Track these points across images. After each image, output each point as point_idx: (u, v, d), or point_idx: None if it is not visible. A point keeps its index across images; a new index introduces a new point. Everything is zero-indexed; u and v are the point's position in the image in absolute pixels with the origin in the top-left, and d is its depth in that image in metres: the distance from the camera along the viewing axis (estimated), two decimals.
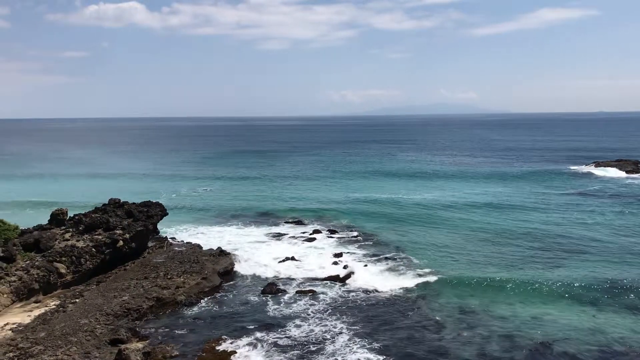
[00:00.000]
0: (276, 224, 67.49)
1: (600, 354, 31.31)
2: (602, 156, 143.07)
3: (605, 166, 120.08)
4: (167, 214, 55.69)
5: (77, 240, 46.32)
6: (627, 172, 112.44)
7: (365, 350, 32.00)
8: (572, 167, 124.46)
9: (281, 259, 51.28)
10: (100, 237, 47.09)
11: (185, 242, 56.25)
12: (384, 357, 31.12)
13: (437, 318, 36.95)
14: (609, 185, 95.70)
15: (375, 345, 32.76)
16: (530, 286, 42.36)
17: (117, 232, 47.97)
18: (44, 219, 52.82)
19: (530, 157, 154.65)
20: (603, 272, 45.83)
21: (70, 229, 48.29)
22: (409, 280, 44.54)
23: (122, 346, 31.18)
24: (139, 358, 30.04)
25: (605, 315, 36.52)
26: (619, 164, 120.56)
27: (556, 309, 37.79)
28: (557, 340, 33.03)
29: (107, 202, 53.65)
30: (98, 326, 34.72)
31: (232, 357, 31.67)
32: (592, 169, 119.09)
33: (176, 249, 52.44)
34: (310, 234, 61.56)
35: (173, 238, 58.00)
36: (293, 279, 45.93)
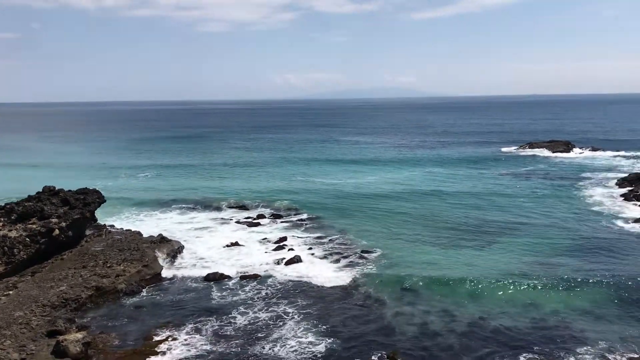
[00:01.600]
0: (219, 210, 66.77)
1: (534, 327, 32.81)
2: (534, 138, 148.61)
3: (538, 147, 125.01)
4: (104, 201, 54.08)
5: (10, 230, 44.37)
6: (558, 152, 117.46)
7: (311, 334, 32.28)
8: (506, 149, 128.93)
9: (225, 245, 50.87)
10: (34, 226, 45.30)
11: (124, 229, 54.84)
12: (332, 339, 31.51)
13: (381, 297, 37.76)
14: (540, 166, 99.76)
15: (322, 327, 33.13)
16: (468, 264, 43.95)
17: (53, 220, 46.26)
18: None
19: (466, 139, 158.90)
20: (535, 249, 47.95)
21: (2, 219, 46.21)
22: (353, 262, 45.22)
23: (60, 337, 30.29)
24: (78, 349, 29.28)
25: (538, 290, 38.22)
26: (550, 144, 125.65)
27: (492, 285, 39.25)
28: (494, 315, 34.41)
29: (41, 190, 51.60)
30: (34, 318, 33.55)
31: (174, 345, 31.33)
32: (525, 151, 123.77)
33: (116, 236, 51.10)
34: (254, 219, 61.31)
35: (112, 226, 56.46)
36: (237, 265, 45.59)
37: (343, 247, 49.91)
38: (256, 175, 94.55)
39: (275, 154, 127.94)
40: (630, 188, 72.89)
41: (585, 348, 29.94)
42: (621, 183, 77.48)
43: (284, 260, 45.82)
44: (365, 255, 46.95)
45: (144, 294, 39.62)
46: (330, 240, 52.31)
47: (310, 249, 49.45)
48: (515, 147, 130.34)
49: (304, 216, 62.36)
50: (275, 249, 49.57)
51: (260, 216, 62.40)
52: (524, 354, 29.52)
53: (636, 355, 28.68)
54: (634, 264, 43.53)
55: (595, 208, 63.51)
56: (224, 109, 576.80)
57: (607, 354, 29.19)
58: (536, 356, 29.27)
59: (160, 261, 45.24)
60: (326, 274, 42.79)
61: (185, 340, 31.86)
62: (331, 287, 40.03)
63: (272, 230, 56.81)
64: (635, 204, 64.69)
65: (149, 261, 44.07)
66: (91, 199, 51.56)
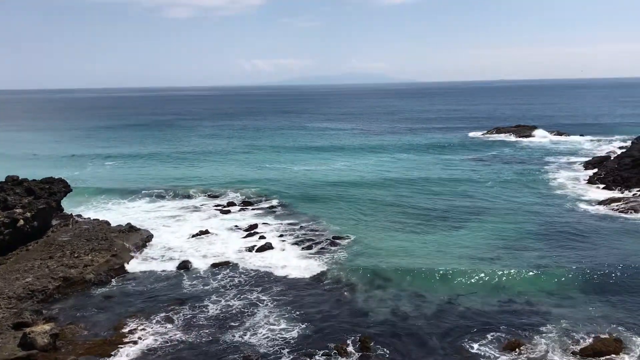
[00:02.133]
0: (188, 198, 66.08)
1: (501, 308, 33.50)
2: (501, 123, 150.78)
3: (504, 132, 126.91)
4: (71, 190, 53.07)
5: None
6: (524, 136, 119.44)
7: (284, 321, 32.30)
8: (473, 134, 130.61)
9: (195, 233, 50.48)
10: None
11: (92, 219, 53.97)
12: (304, 325, 31.61)
13: (353, 282, 37.98)
14: (506, 150, 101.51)
15: (295, 314, 33.22)
16: (436, 249, 44.56)
17: (17, 211, 45.19)
18: None
19: (433, 125, 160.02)
20: (502, 233, 48.80)
21: None
22: (325, 249, 45.36)
23: (27, 329, 29.75)
24: (46, 340, 28.81)
25: (505, 274, 38.93)
26: (517, 129, 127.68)
27: (461, 267, 39.87)
28: (463, 298, 34.99)
29: (3, 180, 50.34)
30: None
31: (145, 334, 31.07)
32: (492, 136, 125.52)
33: (83, 226, 50.26)
34: (224, 207, 60.95)
35: (79, 215, 55.47)
36: (208, 253, 45.31)
37: (314, 233, 50.02)
38: (225, 163, 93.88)
39: (245, 141, 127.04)
40: (594, 171, 74.75)
41: (550, 327, 30.73)
42: (585, 166, 79.42)
43: (255, 248, 45.73)
44: (337, 241, 47.13)
45: (113, 283, 39.12)
46: (301, 226, 52.37)
47: (281, 235, 49.44)
48: (482, 132, 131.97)
49: (275, 203, 62.22)
50: (246, 237, 49.44)
51: (231, 204, 62.08)
52: (491, 333, 30.16)
53: (603, 335, 29.49)
54: (597, 246, 44.73)
55: (560, 191, 64.98)
56: (191, 96, 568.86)
57: (572, 333, 30.01)
58: (503, 335, 29.96)
59: (130, 251, 44.69)
60: (298, 260, 42.88)
61: (157, 329, 31.62)
62: (303, 274, 40.12)
63: (243, 217, 56.61)
64: (599, 187, 66.40)
65: (118, 251, 43.53)
66: (57, 188, 50.56)
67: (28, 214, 45.51)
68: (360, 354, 28.51)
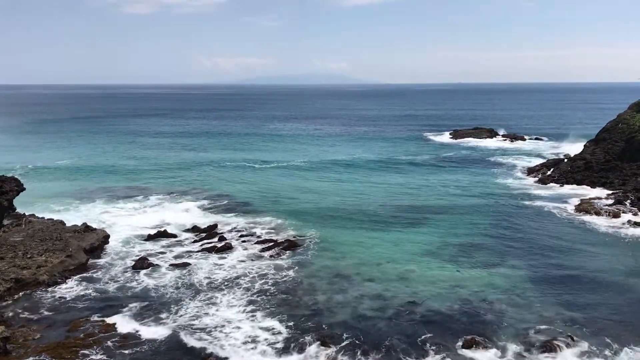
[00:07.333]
0: (146, 197, 64.94)
1: (461, 307, 34.01)
2: (460, 125, 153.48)
3: (463, 134, 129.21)
4: (24, 189, 51.40)
5: None
6: (482, 139, 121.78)
7: (245, 322, 32.09)
8: (431, 136, 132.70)
9: (152, 233, 49.67)
10: None
11: (46, 218, 52.45)
12: (266, 326, 31.51)
13: (314, 282, 38.06)
14: (463, 152, 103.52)
15: (257, 315, 33.06)
16: (396, 246, 45.22)
17: None
18: None
19: (392, 127, 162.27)
20: (458, 230, 50.04)
21: None
22: (285, 249, 45.22)
23: None
24: None
25: (464, 271, 39.73)
26: (475, 132, 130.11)
27: (420, 267, 40.48)
28: (423, 297, 35.37)
29: None
30: None
31: (101, 337, 30.34)
32: (451, 138, 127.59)
33: (36, 226, 48.73)
34: (183, 207, 60.13)
35: (32, 215, 53.79)
36: (165, 253, 44.76)
37: (273, 232, 49.95)
38: (184, 163, 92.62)
39: (204, 141, 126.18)
40: (548, 173, 76.84)
41: (506, 325, 31.43)
42: (540, 168, 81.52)
43: (215, 249, 45.28)
44: (297, 241, 47.10)
45: (69, 284, 38.14)
46: (262, 227, 52.11)
47: (241, 236, 49.10)
48: (441, 134, 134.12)
49: (235, 204, 61.65)
50: (205, 237, 48.90)
51: (190, 202, 61.32)
52: (449, 332, 30.66)
53: (556, 333, 30.33)
54: (550, 246, 46.03)
55: (515, 192, 66.72)
56: (150, 94, 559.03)
57: (527, 331, 30.74)
58: (460, 333, 30.42)
59: (85, 251, 43.62)
60: (257, 258, 42.70)
61: (114, 331, 30.97)
62: (262, 272, 39.97)
63: (202, 217, 55.99)
64: (553, 188, 68.32)
65: (73, 251, 42.44)
66: (9, 187, 48.97)
67: None
68: (320, 352, 28.56)
